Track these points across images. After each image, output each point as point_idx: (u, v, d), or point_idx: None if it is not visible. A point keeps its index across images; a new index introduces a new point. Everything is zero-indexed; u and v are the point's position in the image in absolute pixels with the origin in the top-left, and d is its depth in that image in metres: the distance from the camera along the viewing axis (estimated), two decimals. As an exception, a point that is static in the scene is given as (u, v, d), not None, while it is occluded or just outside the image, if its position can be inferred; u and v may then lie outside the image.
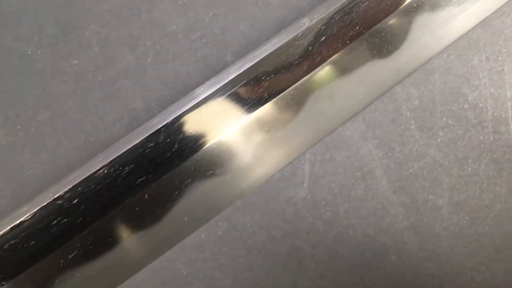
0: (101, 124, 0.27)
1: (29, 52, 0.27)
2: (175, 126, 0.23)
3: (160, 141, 0.23)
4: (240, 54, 0.27)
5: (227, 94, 0.24)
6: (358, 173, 0.26)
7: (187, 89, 0.27)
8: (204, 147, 0.25)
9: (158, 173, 0.24)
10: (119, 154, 0.22)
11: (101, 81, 0.27)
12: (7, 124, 0.27)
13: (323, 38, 0.24)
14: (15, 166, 0.26)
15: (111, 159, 0.22)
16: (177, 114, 0.23)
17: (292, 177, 0.26)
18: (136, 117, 0.27)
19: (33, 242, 0.22)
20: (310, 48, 0.24)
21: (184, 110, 0.23)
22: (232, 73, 0.23)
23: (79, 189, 0.22)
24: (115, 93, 0.27)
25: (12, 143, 0.27)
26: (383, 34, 0.26)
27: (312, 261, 0.26)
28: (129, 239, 0.24)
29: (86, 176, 0.22)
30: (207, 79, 0.25)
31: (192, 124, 0.24)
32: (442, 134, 0.27)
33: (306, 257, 0.26)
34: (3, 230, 0.21)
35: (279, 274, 0.26)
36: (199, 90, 0.23)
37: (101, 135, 0.27)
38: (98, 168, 0.22)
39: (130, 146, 0.22)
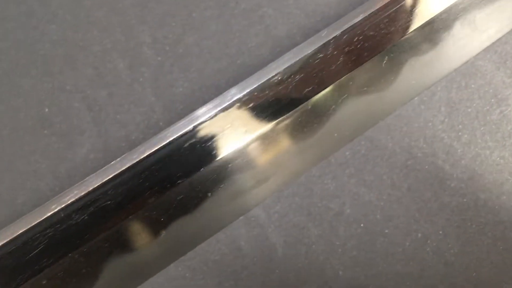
0: (246, 49, 0.28)
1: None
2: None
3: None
4: None
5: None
6: (492, 100, 0.28)
7: (327, 19, 0.29)
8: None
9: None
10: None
11: (244, 8, 0.29)
12: (156, 45, 0.28)
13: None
14: (165, 84, 0.27)
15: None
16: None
17: (430, 102, 0.28)
18: (279, 43, 0.28)
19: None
20: None
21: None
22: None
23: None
24: (258, 20, 0.29)
25: (161, 62, 0.28)
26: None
27: (452, 179, 0.27)
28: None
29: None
30: (348, 8, 0.27)
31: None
32: None
33: (446, 176, 0.27)
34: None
35: (421, 190, 0.27)
36: None
37: (246, 59, 0.28)
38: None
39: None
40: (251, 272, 0.25)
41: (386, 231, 0.26)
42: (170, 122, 0.27)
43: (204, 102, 0.25)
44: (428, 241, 0.26)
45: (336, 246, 0.26)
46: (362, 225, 0.26)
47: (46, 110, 0.27)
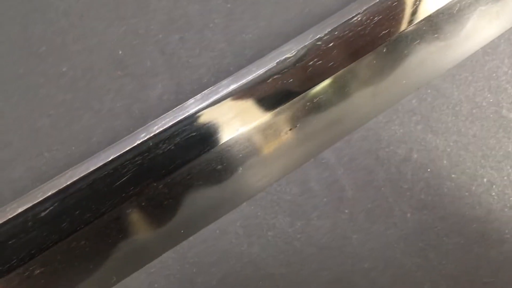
0: (313, -2, 0.29)
1: None
2: None
3: None
4: None
5: None
6: (555, 52, 0.28)
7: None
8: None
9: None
10: None
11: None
12: (226, -7, 0.28)
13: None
14: (235, 30, 0.28)
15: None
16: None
17: (494, 53, 0.28)
18: (346, -6, 0.29)
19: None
20: None
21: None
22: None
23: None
24: (325, -28, 0.29)
25: (231, 9, 0.28)
26: None
27: (516, 128, 0.28)
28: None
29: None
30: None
31: None
32: None
33: (510, 124, 0.28)
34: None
35: (486, 138, 0.27)
36: None
37: (313, 9, 0.29)
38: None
39: None
40: (322, 212, 0.26)
41: (453, 176, 0.27)
42: (240, 66, 0.27)
43: (272, 49, 0.26)
44: (494, 187, 0.27)
45: (404, 189, 0.26)
46: (429, 170, 0.27)
47: (120, 52, 0.27)
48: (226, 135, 0.24)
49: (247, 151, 0.25)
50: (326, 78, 0.25)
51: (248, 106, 0.24)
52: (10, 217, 0.21)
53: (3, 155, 0.26)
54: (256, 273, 0.25)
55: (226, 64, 0.28)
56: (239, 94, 0.23)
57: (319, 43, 0.24)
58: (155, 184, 0.23)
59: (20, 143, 0.26)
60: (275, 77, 0.23)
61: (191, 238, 0.25)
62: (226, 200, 0.25)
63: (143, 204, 0.23)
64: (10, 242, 0.21)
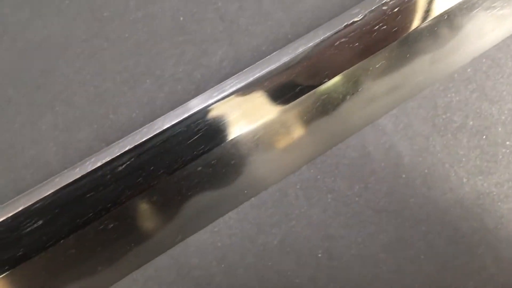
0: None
1: None
2: None
3: None
4: None
5: None
6: None
7: None
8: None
9: None
10: None
11: None
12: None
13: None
14: (292, 0, 0.28)
15: None
16: None
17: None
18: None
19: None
20: None
21: None
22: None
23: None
24: None
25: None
26: None
27: None
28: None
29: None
30: None
31: None
32: None
33: None
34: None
35: (540, 107, 0.28)
36: None
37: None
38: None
39: None
40: (379, 176, 0.27)
41: (507, 143, 0.27)
42: (298, 35, 0.28)
43: (329, 18, 0.26)
44: (548, 154, 0.27)
45: (460, 155, 0.27)
46: (484, 136, 0.27)
47: (181, 19, 0.28)
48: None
49: (312, 113, 0.25)
50: (390, 44, 0.25)
51: (322, 66, 0.24)
52: (90, 170, 0.22)
53: (70, 117, 0.26)
54: (315, 235, 0.26)
55: (284, 32, 0.28)
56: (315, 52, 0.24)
57: (385, 7, 0.24)
58: (222, 144, 0.24)
59: (85, 106, 0.27)
60: (342, 40, 0.24)
61: (253, 199, 0.26)
62: (286, 163, 0.26)
63: (213, 162, 0.24)
64: (88, 195, 0.22)
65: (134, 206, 0.23)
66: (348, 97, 0.26)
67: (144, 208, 0.24)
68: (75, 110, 0.27)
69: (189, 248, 0.25)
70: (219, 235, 0.25)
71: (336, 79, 0.25)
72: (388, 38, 0.25)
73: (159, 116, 0.24)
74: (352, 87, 0.25)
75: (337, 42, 0.24)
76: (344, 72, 0.25)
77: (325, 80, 0.25)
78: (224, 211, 0.26)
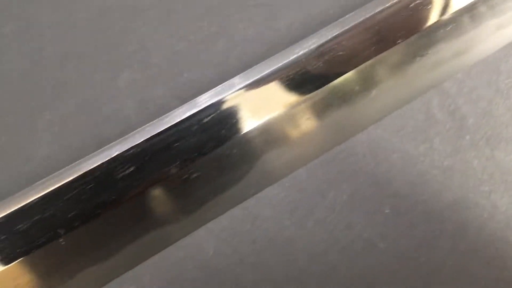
0: None
1: None
2: None
3: None
4: None
5: None
6: None
7: None
8: None
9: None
10: None
11: None
12: None
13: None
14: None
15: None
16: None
17: None
18: None
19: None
20: None
21: None
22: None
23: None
24: None
25: None
26: None
27: None
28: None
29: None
30: None
31: None
32: None
33: None
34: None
35: None
36: None
37: None
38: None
39: None
40: (444, 137, 0.27)
41: None
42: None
43: None
44: None
45: (523, 119, 0.28)
46: (547, 101, 0.28)
47: (252, -17, 0.29)
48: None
49: (382, 76, 0.26)
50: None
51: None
52: (178, 121, 0.23)
53: (146, 75, 0.27)
54: (381, 192, 0.27)
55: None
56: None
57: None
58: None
59: (161, 65, 0.28)
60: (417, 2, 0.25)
61: (321, 156, 0.27)
62: (355, 121, 0.27)
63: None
64: (175, 144, 0.23)
65: (216, 158, 0.24)
66: (417, 59, 0.26)
67: (223, 161, 0.25)
68: (151, 68, 0.28)
69: (262, 201, 0.26)
70: (290, 190, 0.27)
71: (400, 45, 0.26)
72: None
73: (231, 76, 0.25)
74: (420, 50, 0.26)
75: (412, 4, 0.25)
76: (418, 33, 0.26)
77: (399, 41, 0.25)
78: (294, 167, 0.27)
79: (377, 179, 0.27)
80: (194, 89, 0.28)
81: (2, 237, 0.21)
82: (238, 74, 0.25)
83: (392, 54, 0.26)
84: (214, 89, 0.24)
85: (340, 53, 0.25)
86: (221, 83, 0.25)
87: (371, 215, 0.26)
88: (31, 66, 0.27)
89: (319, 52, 0.25)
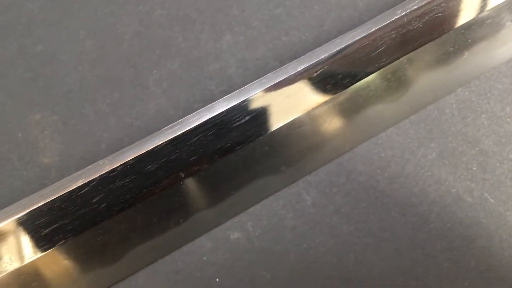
0: None
1: None
2: None
3: None
4: None
5: None
6: None
7: None
8: None
9: None
10: None
11: None
12: None
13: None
14: None
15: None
16: None
17: None
18: None
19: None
20: None
21: None
22: None
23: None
24: None
25: None
26: None
27: None
28: None
29: None
30: None
31: None
32: None
33: None
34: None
35: None
36: None
37: None
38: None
39: None
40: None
41: None
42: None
43: None
44: None
45: None
46: None
47: (345, -49, 0.30)
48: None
49: (475, 39, 0.28)
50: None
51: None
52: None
53: (247, 37, 0.29)
54: (470, 150, 0.28)
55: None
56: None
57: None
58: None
59: (261, 28, 0.29)
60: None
61: (412, 116, 0.28)
62: (444, 83, 0.29)
63: (388, 76, 0.26)
64: (236, 123, 0.25)
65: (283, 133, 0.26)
66: (508, 23, 0.28)
67: (294, 136, 0.26)
68: (252, 31, 0.29)
69: (356, 157, 0.28)
70: (382, 147, 0.28)
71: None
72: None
73: (326, 40, 0.27)
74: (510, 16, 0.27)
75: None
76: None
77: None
78: (386, 126, 0.28)
79: (465, 137, 0.28)
80: (291, 51, 0.29)
81: (131, 177, 0.24)
82: (332, 39, 0.27)
83: (486, 18, 0.27)
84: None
85: (439, 14, 0.26)
86: (317, 47, 0.27)
87: (459, 171, 0.28)
88: (141, 28, 0.29)
89: (418, 14, 0.26)
